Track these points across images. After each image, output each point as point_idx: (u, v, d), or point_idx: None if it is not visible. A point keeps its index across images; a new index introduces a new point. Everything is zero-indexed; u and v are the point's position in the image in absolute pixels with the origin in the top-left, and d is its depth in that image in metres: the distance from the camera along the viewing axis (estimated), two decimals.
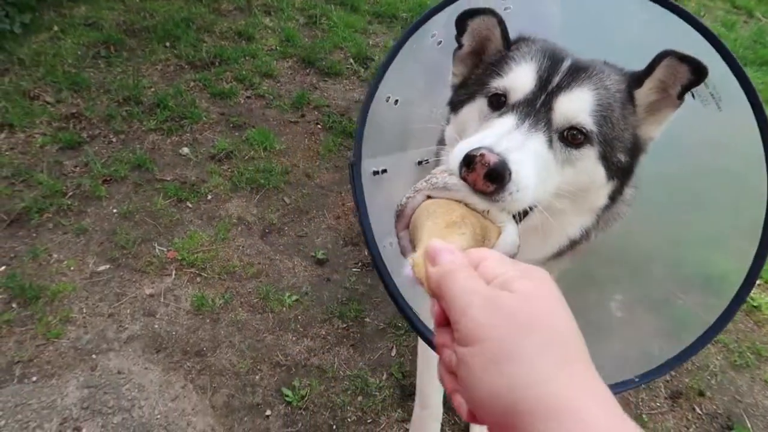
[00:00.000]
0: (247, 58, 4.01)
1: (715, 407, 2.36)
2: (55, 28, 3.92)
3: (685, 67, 1.18)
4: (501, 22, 1.32)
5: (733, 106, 1.27)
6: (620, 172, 1.28)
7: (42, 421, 2.01)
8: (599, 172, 1.24)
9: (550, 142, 1.16)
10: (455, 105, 1.36)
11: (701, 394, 2.39)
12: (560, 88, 1.20)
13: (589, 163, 1.22)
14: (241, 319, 2.44)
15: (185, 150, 3.23)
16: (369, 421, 2.16)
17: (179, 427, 2.04)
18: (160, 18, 4.20)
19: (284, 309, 2.49)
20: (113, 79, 3.61)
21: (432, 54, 1.50)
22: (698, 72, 1.18)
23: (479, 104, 1.27)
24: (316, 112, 3.66)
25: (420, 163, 1.62)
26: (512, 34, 1.36)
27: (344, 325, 2.47)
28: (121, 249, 2.64)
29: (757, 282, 2.92)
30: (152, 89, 3.61)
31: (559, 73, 1.22)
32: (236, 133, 3.39)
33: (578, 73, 1.23)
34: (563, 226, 1.32)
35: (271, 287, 2.57)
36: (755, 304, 2.78)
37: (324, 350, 2.37)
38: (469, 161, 0.98)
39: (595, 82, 1.24)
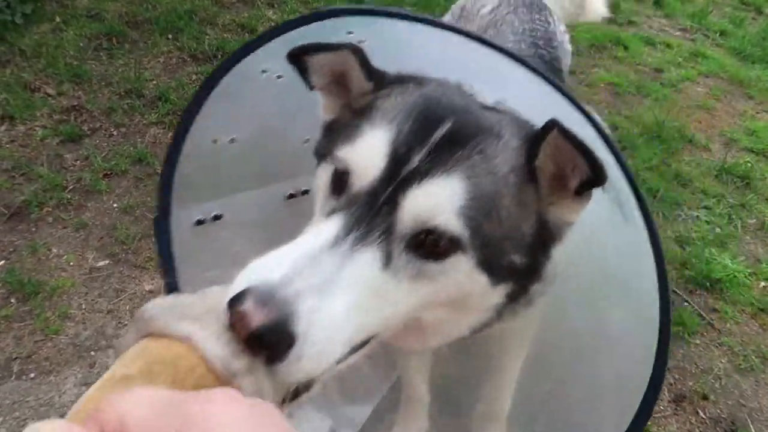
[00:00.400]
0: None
1: (719, 411, 2.34)
2: (57, 19, 3.89)
3: (576, 154, 0.88)
4: (357, 54, 1.00)
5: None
6: (517, 274, 0.96)
7: (40, 418, 1.99)
8: (479, 280, 0.92)
9: (389, 257, 0.84)
10: (318, 156, 1.04)
11: (705, 397, 2.37)
12: (416, 175, 0.85)
13: (459, 275, 0.90)
14: None
15: None
16: None
17: None
18: (162, 10, 4.16)
19: None
20: (115, 72, 3.58)
21: (280, 82, 1.19)
22: (594, 168, 0.87)
23: (327, 174, 0.95)
24: None
25: (292, 196, 1.35)
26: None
27: None
28: (121, 244, 2.62)
29: (762, 284, 2.89)
30: (154, 82, 3.58)
31: (423, 149, 0.87)
32: None
33: (452, 148, 0.88)
34: (447, 328, 1.03)
35: None
36: (761, 306, 2.75)
37: None
38: (231, 306, 0.68)
39: (473, 164, 0.89)
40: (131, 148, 3.08)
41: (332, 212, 0.86)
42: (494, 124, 0.95)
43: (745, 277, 2.85)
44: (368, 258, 0.81)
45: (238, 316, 0.66)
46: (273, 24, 4.32)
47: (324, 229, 0.82)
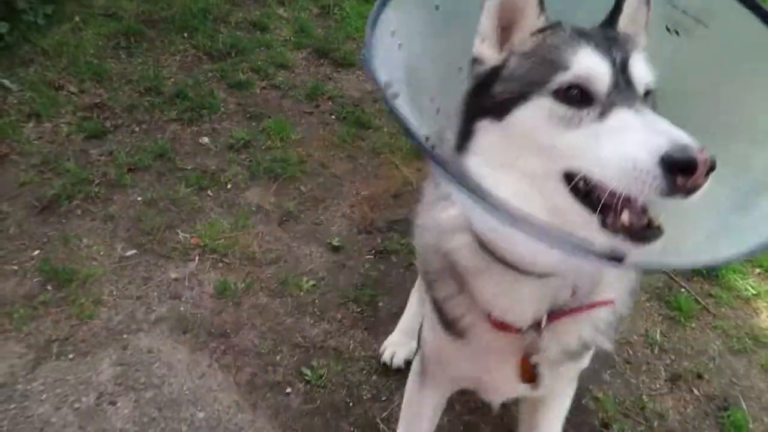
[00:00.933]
0: (262, 48, 4.11)
1: (712, 389, 2.48)
2: (76, 18, 4.03)
3: None
4: None
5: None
6: None
7: (80, 395, 2.15)
8: None
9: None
10: (499, 108, 1.11)
11: (699, 377, 2.51)
12: (625, 60, 1.08)
13: None
14: (262, 302, 2.57)
15: (205, 140, 3.35)
16: (383, 398, 2.29)
17: (207, 403, 2.18)
18: (177, 8, 4.30)
19: (302, 293, 2.62)
20: (134, 70, 3.73)
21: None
22: None
23: (543, 105, 1.06)
24: (330, 103, 3.77)
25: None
26: None
27: (359, 310, 2.60)
28: (147, 235, 2.77)
29: (758, 271, 3.02)
30: (172, 80, 3.72)
31: (611, 44, 1.10)
32: (253, 123, 3.50)
33: (613, 37, 1.14)
34: None
35: (290, 272, 2.70)
36: (755, 292, 2.88)
37: (340, 333, 2.50)
38: (687, 163, 0.87)
39: (626, 36, 1.16)
40: (152, 144, 3.23)
41: (610, 107, 1.03)
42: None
43: (741, 264, 2.98)
44: (650, 111, 1.03)
45: (703, 158, 0.87)
46: (284, 21, 4.45)
47: (628, 115, 1.01)
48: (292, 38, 4.28)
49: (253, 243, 2.82)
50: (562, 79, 1.05)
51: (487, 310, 1.31)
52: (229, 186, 3.10)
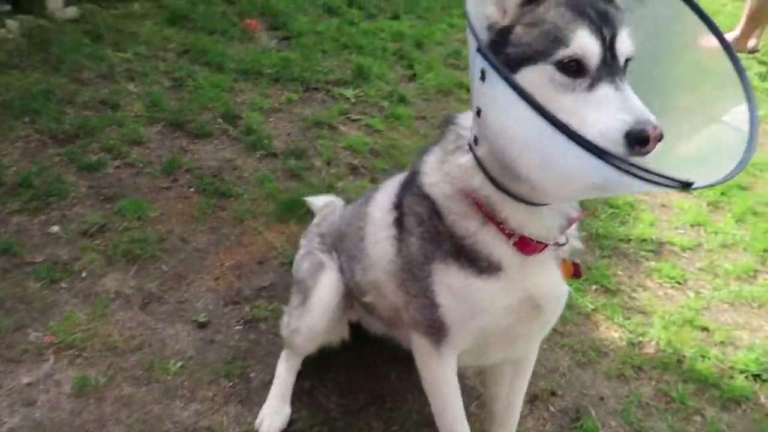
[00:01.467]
0: (113, 126, 4.04)
1: (565, 403, 2.73)
2: None
3: None
4: None
5: None
6: None
7: None
8: None
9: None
10: (511, 64, 1.41)
11: (553, 393, 2.76)
12: (613, 37, 1.38)
13: None
14: (127, 393, 2.49)
15: (54, 228, 3.22)
16: None
17: None
18: (16, 92, 4.13)
19: (169, 377, 2.57)
20: None
21: None
22: None
23: (545, 71, 1.38)
24: (188, 176, 3.77)
25: None
26: None
27: (231, 384, 2.60)
28: None
29: (594, 287, 3.40)
30: (13, 168, 3.55)
31: (602, 22, 1.39)
32: (108, 206, 3.42)
33: (604, 13, 1.41)
34: None
35: (155, 357, 2.65)
36: (593, 307, 3.23)
37: (213, 411, 2.48)
38: (641, 138, 1.25)
39: (620, 12, 1.45)
40: None
41: (597, 81, 1.36)
42: None
43: (579, 282, 3.34)
44: (629, 88, 1.37)
45: (655, 131, 1.25)
46: (135, 96, 4.41)
47: (604, 92, 1.34)
48: (144, 113, 4.25)
49: (114, 332, 2.74)
50: (563, 53, 1.36)
51: (520, 233, 1.64)
52: (84, 275, 2.99)
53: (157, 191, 3.61)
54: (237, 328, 2.86)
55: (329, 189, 3.70)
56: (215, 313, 2.92)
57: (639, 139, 1.25)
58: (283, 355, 2.57)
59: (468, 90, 5.21)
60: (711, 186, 1.33)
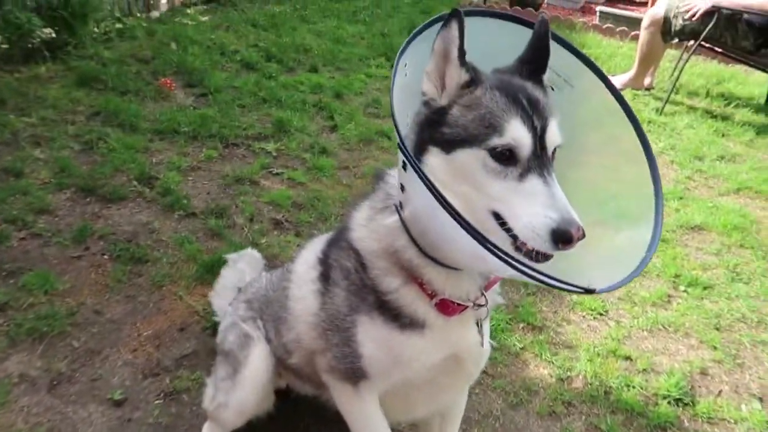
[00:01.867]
0: (17, 195, 3.82)
1: None
2: None
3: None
4: (461, 34, 1.43)
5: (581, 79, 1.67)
6: None
7: None
8: None
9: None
10: (446, 144, 1.46)
11: None
12: (543, 129, 1.44)
13: None
14: None
15: None
16: None
17: None
18: None
19: None
20: None
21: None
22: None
23: (479, 155, 1.41)
24: (101, 243, 3.59)
25: None
26: None
27: None
28: None
29: (522, 325, 3.45)
30: None
31: (534, 113, 1.44)
32: (11, 281, 3.19)
33: (536, 103, 1.46)
34: None
35: None
36: (521, 345, 3.27)
37: None
38: (565, 238, 1.30)
39: (548, 103, 1.50)
40: None
41: (527, 172, 1.40)
42: (515, 80, 1.56)
43: (506, 323, 3.39)
44: (555, 182, 1.41)
45: (578, 234, 1.30)
46: (42, 163, 4.21)
47: (533, 184, 1.39)
48: (52, 179, 4.05)
49: (18, 420, 2.51)
50: (497, 141, 1.41)
51: (441, 295, 1.66)
52: None
53: (66, 261, 3.41)
54: (157, 402, 2.69)
55: (253, 246, 3.62)
56: (133, 388, 2.74)
57: (563, 239, 1.30)
58: (206, 427, 2.44)
59: (389, 138, 5.32)
60: (611, 290, 1.39)
